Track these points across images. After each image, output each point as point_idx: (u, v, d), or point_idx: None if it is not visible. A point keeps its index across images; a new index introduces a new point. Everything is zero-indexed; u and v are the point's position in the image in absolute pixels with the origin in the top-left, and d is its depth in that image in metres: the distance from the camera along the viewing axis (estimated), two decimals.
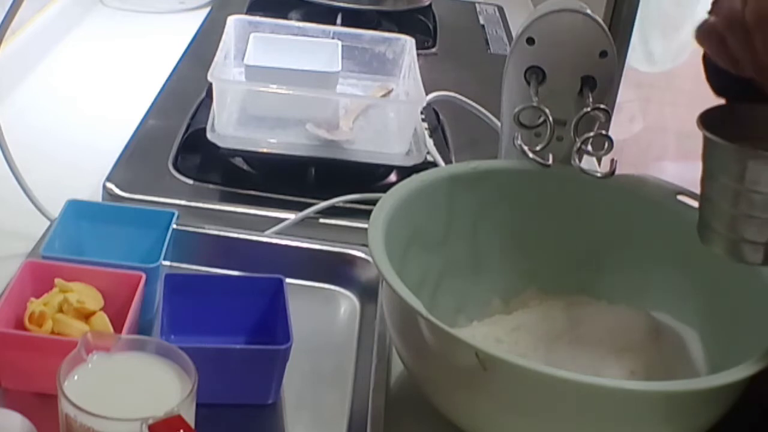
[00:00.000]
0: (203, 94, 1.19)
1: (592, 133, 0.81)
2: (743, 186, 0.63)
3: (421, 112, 1.13)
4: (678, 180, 0.83)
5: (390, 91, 1.23)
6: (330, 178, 1.04)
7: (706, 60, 0.68)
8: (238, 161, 1.07)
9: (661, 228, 0.82)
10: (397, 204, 0.77)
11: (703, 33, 0.64)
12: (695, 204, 0.79)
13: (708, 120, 0.65)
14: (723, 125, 0.65)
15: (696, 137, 0.66)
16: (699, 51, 0.67)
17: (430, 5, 1.65)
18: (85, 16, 1.54)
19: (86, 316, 0.76)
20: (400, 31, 1.36)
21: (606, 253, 0.85)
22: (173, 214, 0.89)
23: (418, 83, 1.12)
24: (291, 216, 0.99)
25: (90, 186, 1.02)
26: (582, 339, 0.77)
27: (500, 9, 1.74)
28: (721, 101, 0.70)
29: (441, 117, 1.24)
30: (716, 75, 0.68)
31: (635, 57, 2.39)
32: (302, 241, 0.95)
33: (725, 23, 0.62)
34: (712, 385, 0.64)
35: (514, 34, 0.91)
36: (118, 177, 1.02)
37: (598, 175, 0.83)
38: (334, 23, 1.42)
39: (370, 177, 1.06)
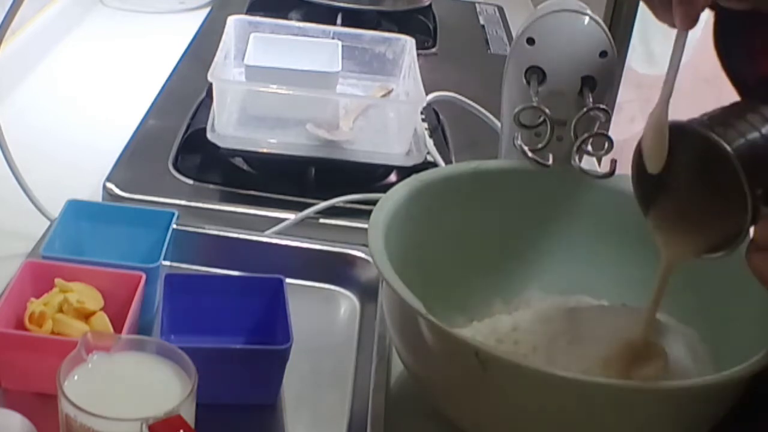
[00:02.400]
0: (203, 94, 1.19)
1: (592, 133, 0.81)
2: None
3: (421, 112, 1.13)
4: None
5: (390, 92, 1.23)
6: (330, 178, 1.04)
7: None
8: (238, 161, 1.07)
9: None
10: (398, 204, 0.77)
11: None
12: None
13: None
14: None
15: None
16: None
17: (430, 5, 1.65)
18: (85, 16, 1.54)
19: (86, 316, 0.76)
20: (400, 31, 1.36)
21: (606, 253, 0.85)
22: (173, 214, 0.89)
23: (418, 83, 1.11)
24: (291, 216, 0.99)
25: (90, 186, 1.02)
26: (582, 339, 0.77)
27: (500, 9, 1.74)
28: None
29: (441, 117, 1.24)
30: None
31: (635, 58, 2.38)
32: (302, 241, 0.95)
33: None
34: (712, 385, 0.64)
35: (514, 34, 0.91)
36: (118, 177, 1.02)
37: (598, 175, 0.83)
38: (334, 23, 1.42)
39: (370, 177, 1.06)
